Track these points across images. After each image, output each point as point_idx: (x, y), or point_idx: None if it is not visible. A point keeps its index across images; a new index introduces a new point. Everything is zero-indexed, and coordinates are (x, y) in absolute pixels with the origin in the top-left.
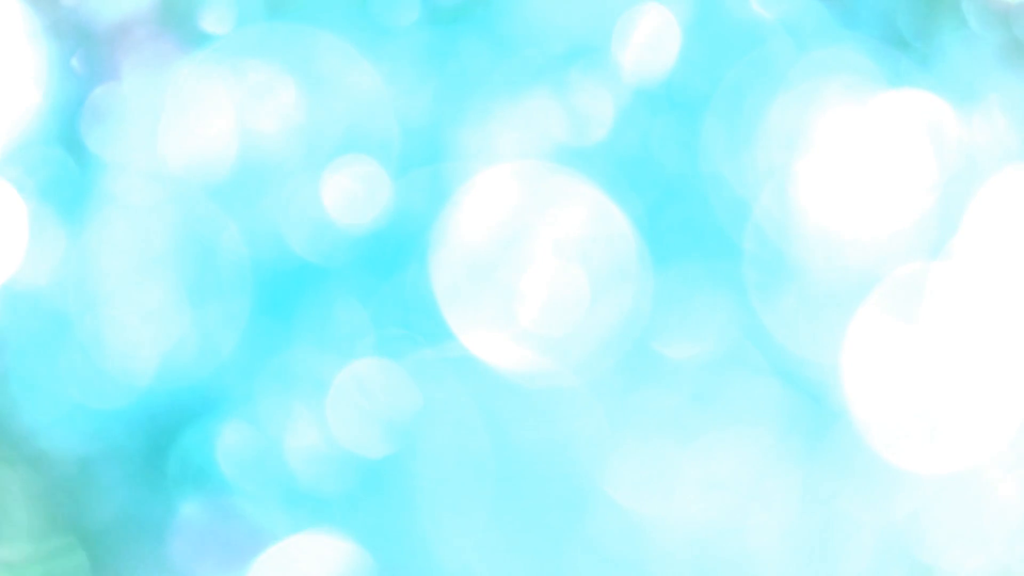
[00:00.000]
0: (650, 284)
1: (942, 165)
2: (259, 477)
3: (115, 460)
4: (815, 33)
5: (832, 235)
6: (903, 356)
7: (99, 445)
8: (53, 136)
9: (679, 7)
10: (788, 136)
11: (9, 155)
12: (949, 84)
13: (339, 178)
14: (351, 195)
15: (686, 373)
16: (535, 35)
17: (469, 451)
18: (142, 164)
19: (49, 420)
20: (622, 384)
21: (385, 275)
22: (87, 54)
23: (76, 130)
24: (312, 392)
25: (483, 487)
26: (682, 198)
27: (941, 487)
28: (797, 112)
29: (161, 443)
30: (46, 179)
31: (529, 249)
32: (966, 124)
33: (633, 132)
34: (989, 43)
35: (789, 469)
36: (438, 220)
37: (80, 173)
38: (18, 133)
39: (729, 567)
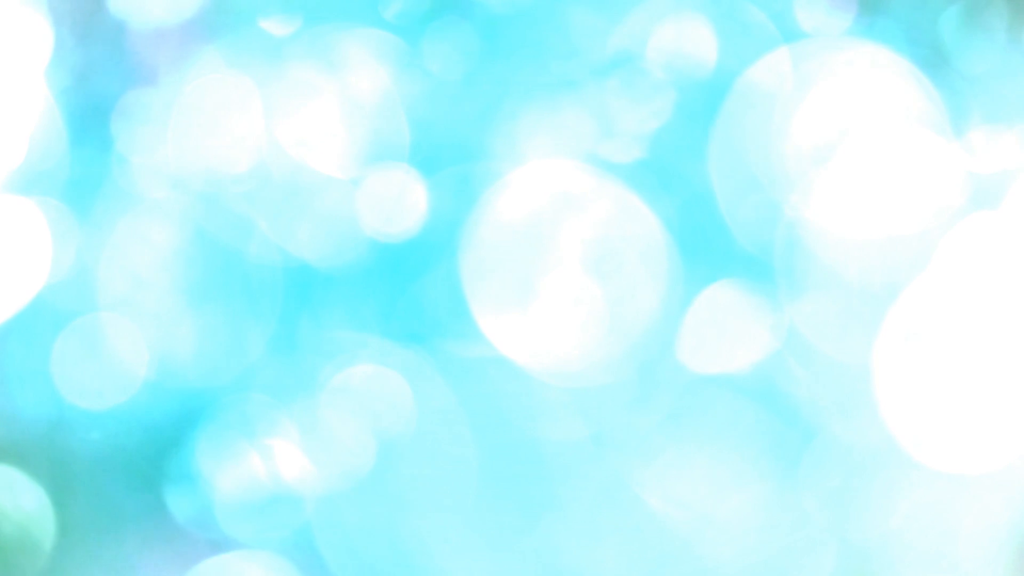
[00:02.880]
0: (678, 285)
1: (954, 160)
2: (276, 476)
3: (115, 460)
4: (836, 34)
5: (862, 236)
6: (931, 356)
7: (100, 445)
8: (77, 136)
9: (700, 10)
10: (814, 136)
11: (30, 155)
12: (966, 81)
13: (368, 181)
14: (380, 198)
15: (712, 374)
16: (564, 37)
17: (498, 450)
18: (164, 165)
19: (50, 420)
20: (649, 385)
21: (415, 276)
22: (114, 53)
23: (100, 130)
24: (336, 395)
25: (505, 486)
26: (709, 199)
27: (970, 487)
28: (822, 112)
29: (170, 444)
30: (65, 178)
31: (558, 250)
32: (973, 116)
33: (661, 134)
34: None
35: (817, 472)
36: (467, 221)
37: (99, 173)
38: (41, 133)
39: (752, 566)
